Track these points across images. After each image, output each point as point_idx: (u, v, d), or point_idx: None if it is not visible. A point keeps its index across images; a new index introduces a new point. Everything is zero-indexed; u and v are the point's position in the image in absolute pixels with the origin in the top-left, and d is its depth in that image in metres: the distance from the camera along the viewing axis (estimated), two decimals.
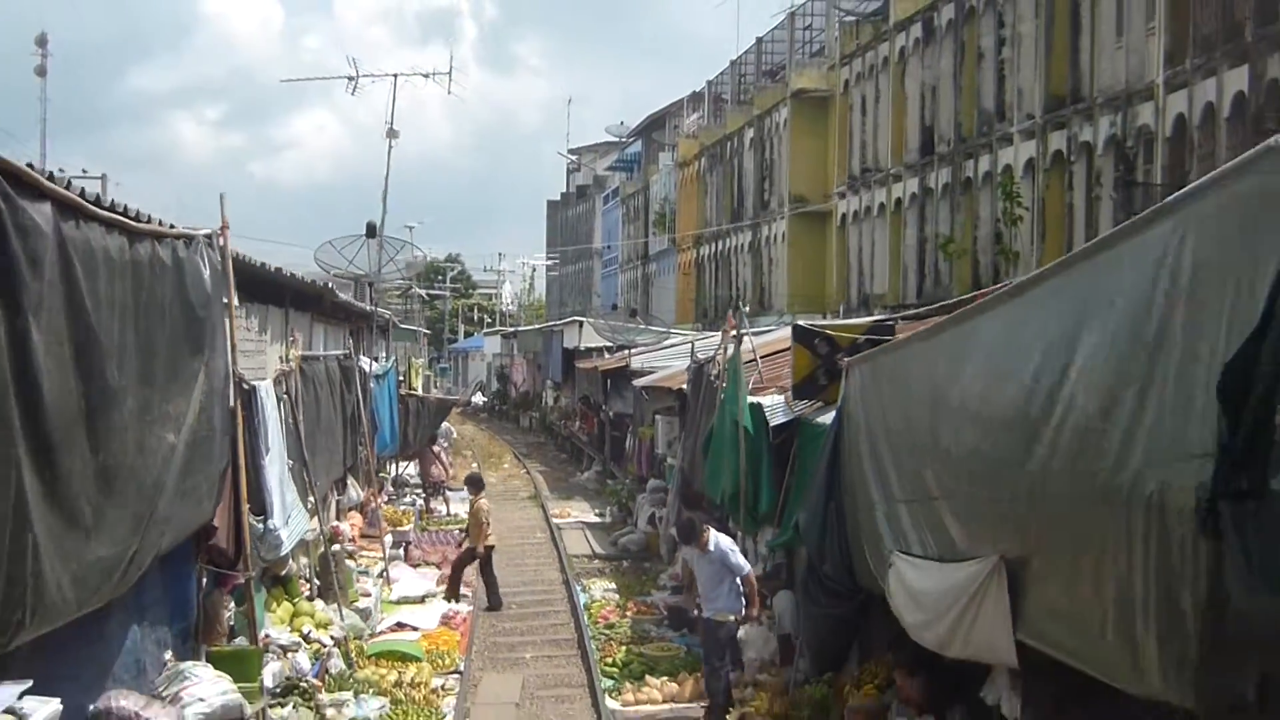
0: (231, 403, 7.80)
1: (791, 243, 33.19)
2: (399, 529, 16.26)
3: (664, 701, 9.86)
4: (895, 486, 7.27)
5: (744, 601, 9.63)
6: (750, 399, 11.16)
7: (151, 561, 6.31)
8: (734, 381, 11.64)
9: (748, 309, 34.75)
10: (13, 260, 4.48)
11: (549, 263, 62.40)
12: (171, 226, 6.76)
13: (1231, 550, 3.73)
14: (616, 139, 56.96)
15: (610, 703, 9.96)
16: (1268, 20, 15.84)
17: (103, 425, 5.44)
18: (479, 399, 49.86)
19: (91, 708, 5.93)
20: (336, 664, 9.84)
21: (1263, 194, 3.78)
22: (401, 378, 21.09)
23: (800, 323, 11.90)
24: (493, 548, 14.31)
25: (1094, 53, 20.26)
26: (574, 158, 63.77)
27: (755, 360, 13.29)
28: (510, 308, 66.78)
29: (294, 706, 8.27)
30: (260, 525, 8.40)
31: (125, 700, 6.06)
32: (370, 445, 15.11)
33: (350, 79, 24.90)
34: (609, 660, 11.16)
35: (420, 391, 24.97)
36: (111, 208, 5.80)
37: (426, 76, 25.53)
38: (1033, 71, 21.96)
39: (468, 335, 68.71)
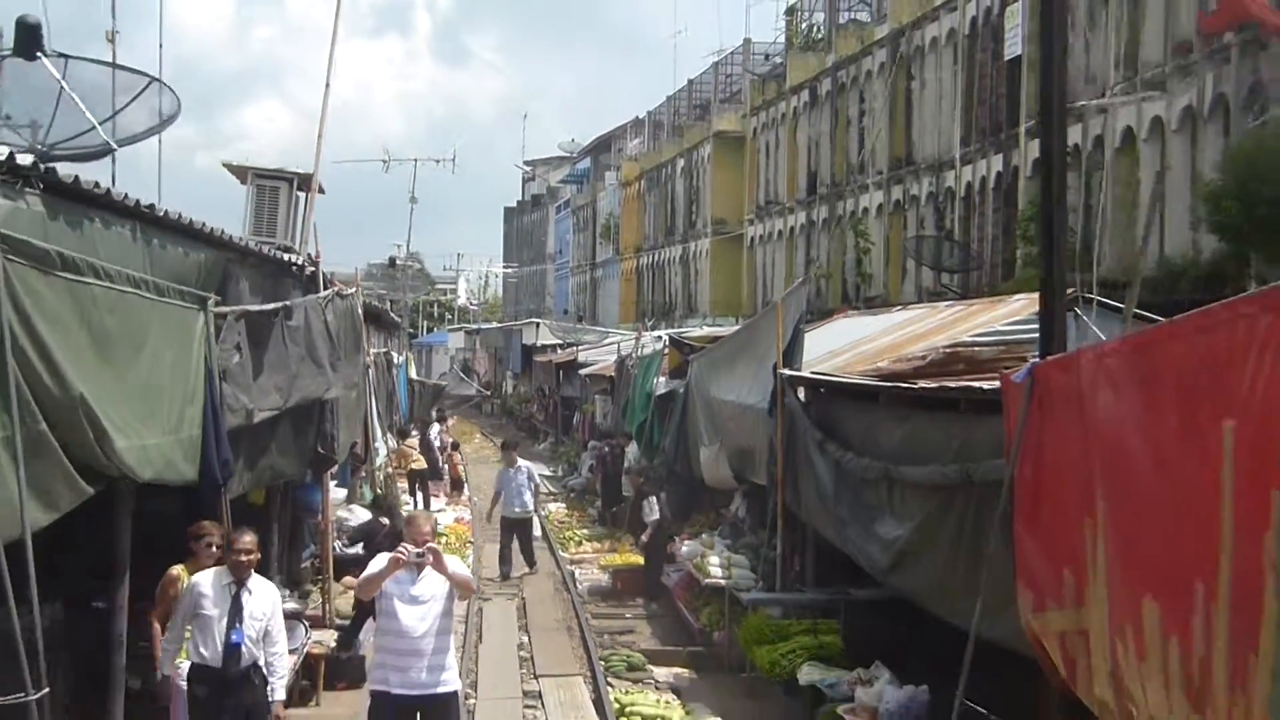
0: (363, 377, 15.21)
1: (713, 258, 40.79)
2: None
3: (591, 553, 17.50)
4: (707, 418, 14.88)
5: (534, 502, 17.41)
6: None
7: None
8: (646, 368, 19.21)
9: (678, 312, 42.48)
10: (327, 315, 11.86)
11: (508, 270, 69.81)
12: (343, 287, 14.11)
13: (773, 422, 11.39)
14: (568, 154, 64.32)
15: (561, 553, 17.55)
16: (1014, 124, 23.59)
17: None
18: None
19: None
20: None
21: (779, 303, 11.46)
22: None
23: (670, 333, 19.50)
24: (417, 471, 21.27)
25: (920, 129, 28.04)
26: (529, 169, 71.13)
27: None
28: (471, 304, 73.86)
29: None
30: (373, 444, 15.85)
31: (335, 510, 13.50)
32: (396, 413, 22.50)
33: (384, 161, 32.71)
34: (562, 537, 18.76)
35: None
36: (335, 286, 13.17)
37: (438, 162, 33.12)
38: (882, 138, 29.74)
39: (429, 331, 75.58)
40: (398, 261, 26.19)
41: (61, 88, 7.05)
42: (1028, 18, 22.75)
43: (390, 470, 19.93)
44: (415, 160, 32.45)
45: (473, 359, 55.09)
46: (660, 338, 21.83)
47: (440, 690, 7.21)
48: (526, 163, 70.67)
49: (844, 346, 13.80)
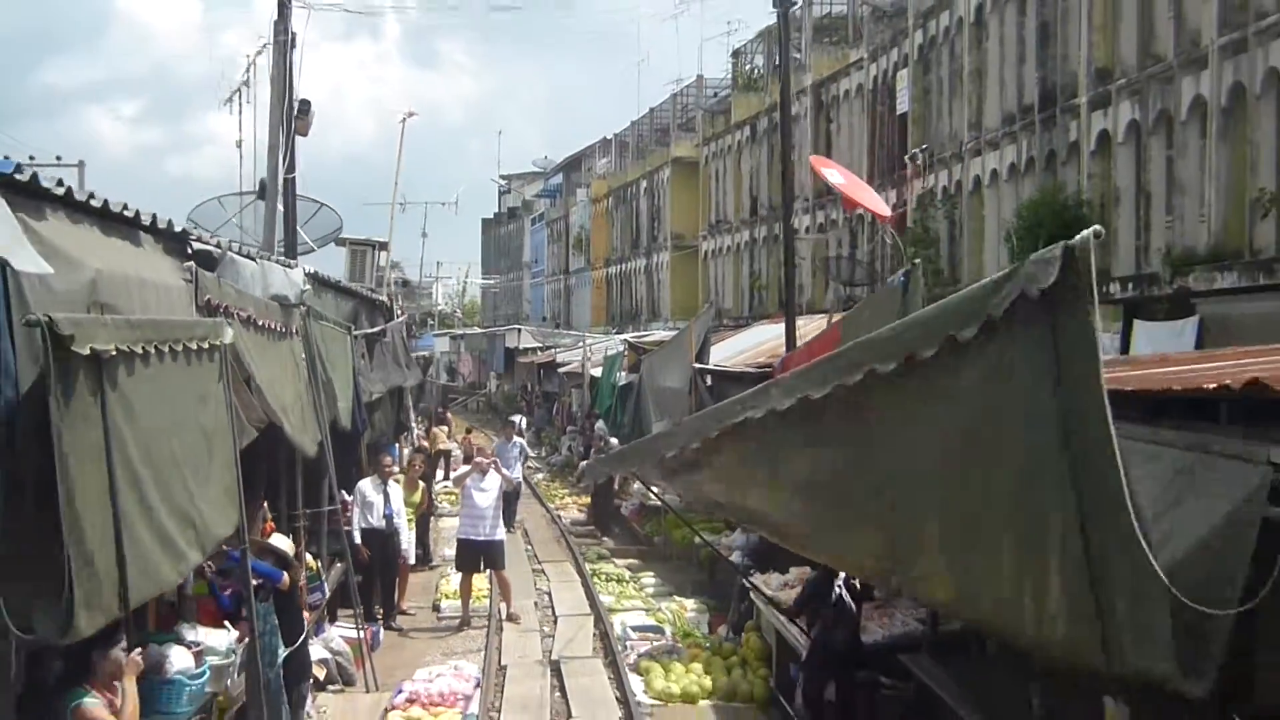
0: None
1: (673, 269, 47.24)
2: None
3: (571, 503, 23.94)
4: (654, 400, 21.32)
5: (523, 470, 23.62)
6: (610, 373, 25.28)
7: None
8: (611, 365, 25.68)
9: (643, 317, 48.90)
10: (400, 333, 18.20)
11: (488, 282, 76.21)
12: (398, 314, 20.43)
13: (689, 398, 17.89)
14: (541, 170, 70.65)
15: (549, 504, 23.98)
16: (903, 164, 30.11)
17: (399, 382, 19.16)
18: None
19: None
20: None
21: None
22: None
23: (629, 338, 25.98)
24: (442, 451, 27.66)
25: (837, 163, 34.52)
26: (504, 182, 77.46)
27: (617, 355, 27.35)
28: (450, 310, 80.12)
29: None
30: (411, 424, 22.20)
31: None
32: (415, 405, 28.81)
33: (401, 204, 39.16)
34: (548, 495, 25.18)
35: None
36: (403, 314, 19.49)
37: (444, 205, 39.56)
38: (806, 170, 36.23)
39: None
40: (409, 283, 32.59)
41: (283, 215, 13.33)
42: (912, 82, 29.40)
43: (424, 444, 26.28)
44: (425, 203, 39.34)
45: (458, 361, 61.29)
46: (624, 341, 28.32)
47: (495, 537, 13.62)
48: (503, 177, 77.03)
49: (750, 346, 20.31)
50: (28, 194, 5.20)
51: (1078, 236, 3.34)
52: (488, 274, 79.40)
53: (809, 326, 20.39)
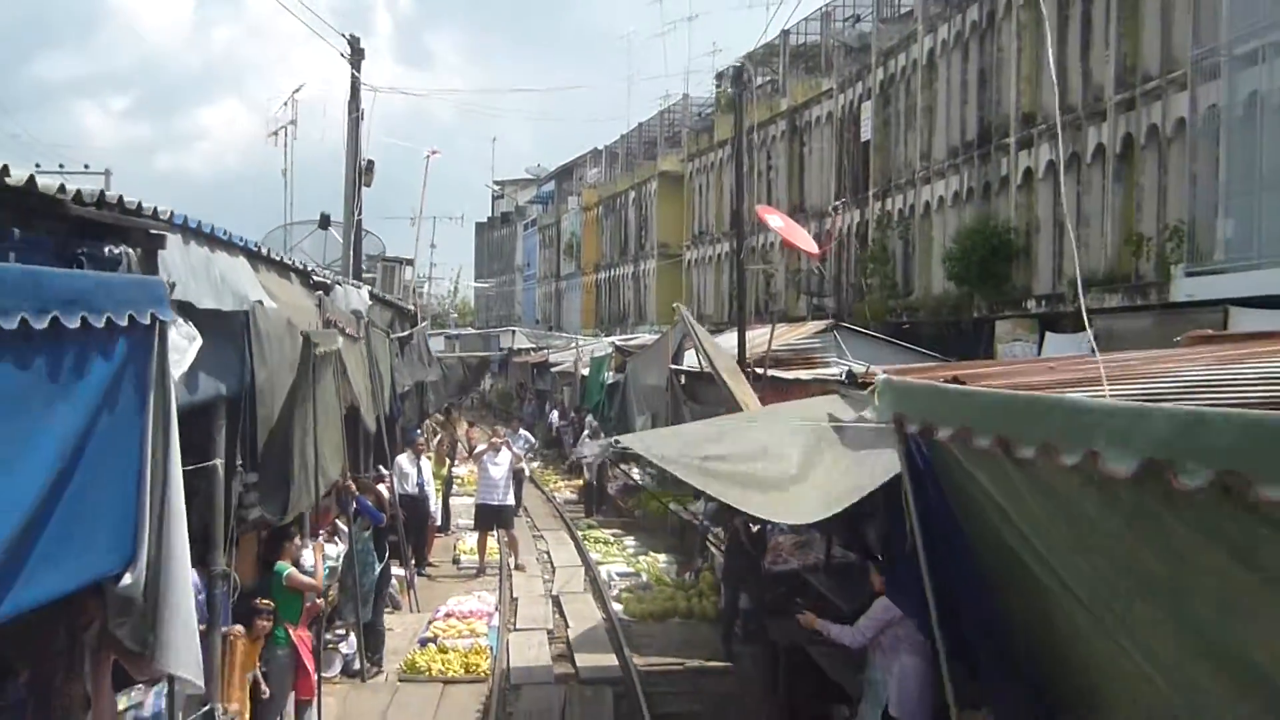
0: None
1: (659, 276, 50.81)
2: None
3: (564, 487, 27.50)
4: (637, 396, 24.90)
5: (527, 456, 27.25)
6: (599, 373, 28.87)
7: None
8: (599, 365, 29.24)
9: (630, 320, 52.46)
10: (425, 337, 21.72)
11: (483, 285, 79.82)
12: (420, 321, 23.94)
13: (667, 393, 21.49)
14: (534, 177, 74.19)
15: (545, 488, 27.52)
16: (866, 187, 33.73)
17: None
18: None
19: None
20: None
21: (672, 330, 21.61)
22: None
23: (617, 341, 29.56)
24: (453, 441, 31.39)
25: (808, 183, 38.20)
26: (498, 188, 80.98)
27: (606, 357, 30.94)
28: (443, 311, 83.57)
29: None
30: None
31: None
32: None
33: (411, 220, 42.69)
34: (543, 480, 28.75)
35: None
36: (424, 321, 23.01)
37: (451, 219, 43.10)
38: (784, 187, 39.87)
39: None
40: (418, 290, 36.38)
41: (339, 241, 16.83)
42: (874, 113, 33.03)
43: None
44: (434, 218, 42.99)
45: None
46: (611, 344, 31.91)
47: (507, 502, 17.18)
48: (497, 182, 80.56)
49: (721, 351, 23.78)
50: (252, 256, 8.71)
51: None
52: (481, 277, 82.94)
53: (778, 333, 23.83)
